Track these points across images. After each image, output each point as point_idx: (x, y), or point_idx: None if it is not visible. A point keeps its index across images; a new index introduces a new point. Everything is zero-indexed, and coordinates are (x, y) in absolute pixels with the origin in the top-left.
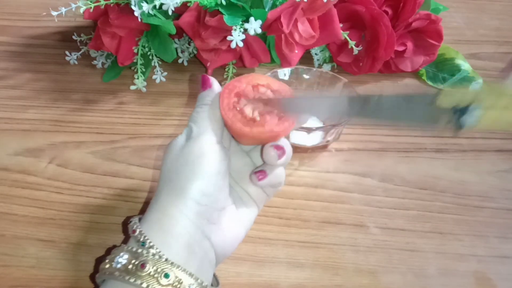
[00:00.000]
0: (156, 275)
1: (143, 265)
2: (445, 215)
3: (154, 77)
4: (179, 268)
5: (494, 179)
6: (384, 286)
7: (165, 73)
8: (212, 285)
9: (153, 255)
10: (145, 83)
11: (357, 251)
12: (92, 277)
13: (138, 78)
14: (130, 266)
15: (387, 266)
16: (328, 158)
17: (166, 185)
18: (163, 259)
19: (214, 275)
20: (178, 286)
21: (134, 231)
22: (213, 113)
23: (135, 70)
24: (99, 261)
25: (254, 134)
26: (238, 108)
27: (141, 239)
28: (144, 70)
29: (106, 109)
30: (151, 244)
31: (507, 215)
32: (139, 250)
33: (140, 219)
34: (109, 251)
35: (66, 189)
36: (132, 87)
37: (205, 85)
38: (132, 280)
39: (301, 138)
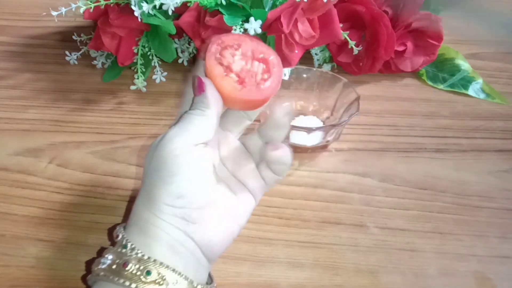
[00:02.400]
0: (138, 273)
1: (125, 264)
2: (445, 215)
3: (154, 77)
4: (162, 265)
5: (494, 179)
6: (384, 286)
7: (165, 73)
8: (207, 283)
9: (136, 254)
10: (145, 83)
11: (357, 251)
12: (84, 278)
13: (138, 78)
14: (114, 266)
15: (387, 266)
16: (328, 158)
17: (142, 190)
18: (145, 257)
19: (209, 274)
20: (162, 282)
21: (117, 236)
22: (201, 120)
23: (135, 70)
24: (89, 263)
25: (243, 97)
26: (225, 64)
27: (123, 242)
28: (144, 70)
29: (106, 109)
30: (133, 246)
31: (507, 215)
32: (123, 251)
33: (124, 226)
34: (99, 253)
35: (66, 189)
36: (132, 87)
37: (199, 89)
38: (116, 279)
39: (301, 138)
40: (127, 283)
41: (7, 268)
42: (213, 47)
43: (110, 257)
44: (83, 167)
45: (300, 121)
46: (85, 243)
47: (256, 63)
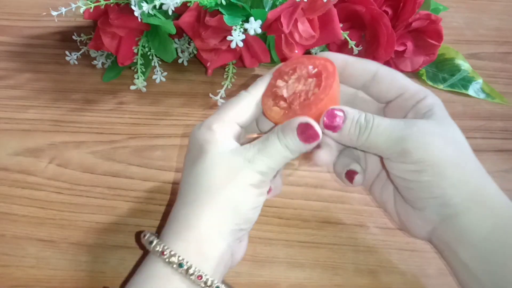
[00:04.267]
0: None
1: (200, 277)
2: None
3: (154, 77)
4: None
5: (494, 179)
6: (384, 286)
7: (165, 73)
8: None
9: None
10: (145, 83)
11: (357, 251)
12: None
13: (138, 78)
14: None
15: (387, 266)
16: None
17: (209, 202)
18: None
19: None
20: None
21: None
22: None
23: (135, 70)
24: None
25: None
26: (275, 92)
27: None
28: (144, 70)
29: (106, 109)
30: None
31: None
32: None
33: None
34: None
35: (66, 189)
36: (132, 87)
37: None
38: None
39: None
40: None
41: (7, 268)
42: (269, 80)
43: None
44: (83, 167)
45: None
46: (85, 243)
47: (309, 80)
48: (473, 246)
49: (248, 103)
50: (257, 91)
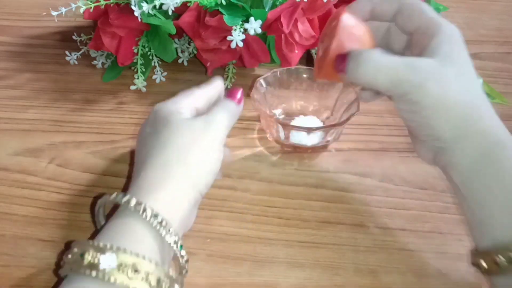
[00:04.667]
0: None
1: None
2: (445, 215)
3: (154, 77)
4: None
5: None
6: (384, 286)
7: (165, 73)
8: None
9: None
10: (145, 83)
11: (357, 251)
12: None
13: (138, 78)
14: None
15: (387, 266)
16: (328, 158)
17: (178, 164)
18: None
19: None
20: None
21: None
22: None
23: (135, 70)
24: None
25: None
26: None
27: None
28: (144, 70)
29: (106, 109)
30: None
31: None
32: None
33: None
34: None
35: (66, 189)
36: (132, 87)
37: (233, 95)
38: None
39: (301, 138)
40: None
41: (7, 268)
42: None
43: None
44: (83, 167)
45: (300, 121)
46: None
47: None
48: (460, 173)
49: (202, 93)
50: (208, 88)
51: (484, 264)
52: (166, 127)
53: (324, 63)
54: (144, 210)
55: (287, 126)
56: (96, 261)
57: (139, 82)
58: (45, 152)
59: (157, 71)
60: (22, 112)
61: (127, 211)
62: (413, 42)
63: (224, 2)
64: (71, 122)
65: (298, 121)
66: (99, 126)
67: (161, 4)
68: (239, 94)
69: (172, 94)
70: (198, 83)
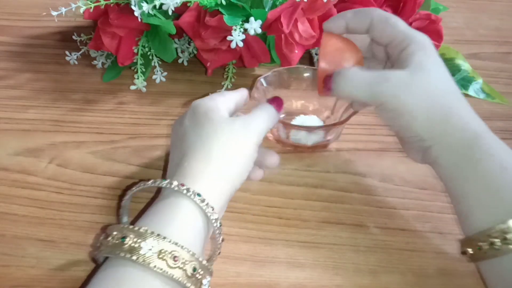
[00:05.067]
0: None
1: (212, 208)
2: (445, 215)
3: (154, 77)
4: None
5: None
6: (384, 286)
7: (165, 73)
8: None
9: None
10: (145, 83)
11: (357, 251)
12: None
13: (138, 78)
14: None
15: (387, 266)
16: (328, 158)
17: (217, 162)
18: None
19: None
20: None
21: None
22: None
23: (135, 70)
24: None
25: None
26: None
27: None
28: (144, 70)
29: (106, 109)
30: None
31: None
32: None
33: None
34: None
35: (66, 189)
36: (132, 87)
37: (274, 103)
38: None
39: (301, 137)
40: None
41: (7, 268)
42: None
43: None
44: (83, 167)
45: (300, 120)
46: (85, 243)
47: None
48: (443, 168)
49: (241, 94)
50: (237, 93)
51: (470, 251)
52: (207, 123)
53: (319, 83)
54: (188, 190)
55: (287, 125)
56: (137, 245)
57: (139, 82)
58: (45, 152)
59: (157, 71)
60: (22, 112)
61: (170, 193)
62: (389, 54)
63: (224, 2)
64: (71, 122)
65: (298, 120)
66: (99, 126)
67: (161, 4)
68: (280, 101)
69: (172, 94)
70: (198, 83)
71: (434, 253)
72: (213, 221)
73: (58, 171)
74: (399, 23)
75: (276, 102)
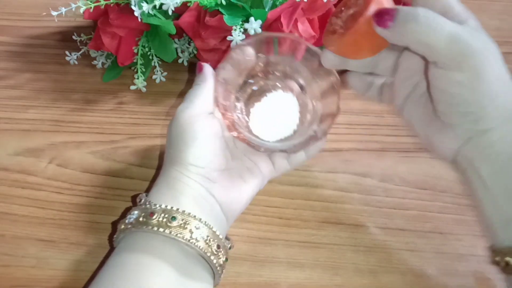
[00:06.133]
0: (164, 220)
1: (151, 214)
2: (445, 215)
3: (154, 77)
4: (184, 213)
5: None
6: (384, 286)
7: (165, 73)
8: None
9: (160, 206)
10: (145, 83)
11: (357, 251)
12: (110, 239)
13: (138, 78)
14: (141, 218)
15: (387, 266)
16: (328, 158)
17: (168, 155)
18: (169, 208)
19: (227, 237)
20: (185, 226)
21: (140, 200)
22: (201, 90)
23: (135, 70)
24: (115, 223)
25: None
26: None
27: (146, 202)
28: (144, 70)
29: (106, 109)
30: (156, 203)
31: None
32: (147, 206)
33: (146, 194)
34: (123, 215)
35: (66, 189)
36: (132, 87)
37: (199, 70)
38: (143, 227)
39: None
40: (155, 228)
41: (7, 268)
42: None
43: (136, 212)
44: (83, 167)
45: (269, 99)
46: (85, 243)
47: (359, 1)
48: (493, 162)
49: (207, 92)
50: (207, 82)
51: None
52: (191, 141)
53: (357, 23)
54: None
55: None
56: (165, 220)
57: (139, 82)
58: (45, 152)
59: (157, 71)
60: (22, 112)
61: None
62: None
63: (224, 2)
64: (71, 122)
65: (268, 100)
66: (99, 126)
67: (161, 4)
68: (199, 65)
69: (172, 94)
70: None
71: (434, 253)
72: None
73: (58, 171)
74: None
75: (199, 69)
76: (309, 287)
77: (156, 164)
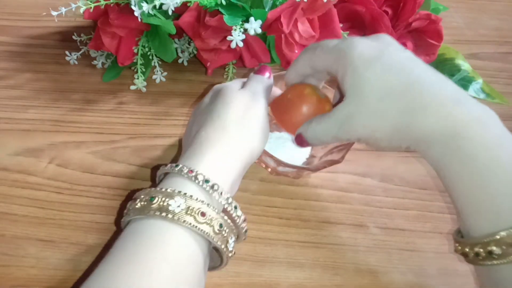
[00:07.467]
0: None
1: (222, 193)
2: (445, 215)
3: (154, 77)
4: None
5: None
6: (384, 286)
7: (165, 73)
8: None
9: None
10: (145, 83)
11: (357, 251)
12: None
13: (138, 78)
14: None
15: (387, 266)
16: None
17: (234, 136)
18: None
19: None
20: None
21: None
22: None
23: (135, 70)
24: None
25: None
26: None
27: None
28: (144, 70)
29: (106, 109)
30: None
31: None
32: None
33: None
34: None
35: (66, 189)
36: (132, 87)
37: (263, 72)
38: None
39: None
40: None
41: (7, 268)
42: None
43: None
44: (83, 167)
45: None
46: (85, 243)
47: None
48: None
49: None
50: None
51: (468, 253)
52: (222, 97)
53: (289, 115)
54: (196, 177)
55: (276, 160)
56: (165, 204)
57: (139, 82)
58: (45, 152)
59: (157, 71)
60: (22, 112)
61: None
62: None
63: (224, 2)
64: (71, 122)
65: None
66: (99, 126)
67: (161, 4)
68: (267, 70)
69: (172, 94)
70: (198, 83)
71: (434, 253)
72: (224, 204)
73: (58, 171)
74: (322, 47)
75: (264, 70)
76: (309, 287)
77: (156, 164)
